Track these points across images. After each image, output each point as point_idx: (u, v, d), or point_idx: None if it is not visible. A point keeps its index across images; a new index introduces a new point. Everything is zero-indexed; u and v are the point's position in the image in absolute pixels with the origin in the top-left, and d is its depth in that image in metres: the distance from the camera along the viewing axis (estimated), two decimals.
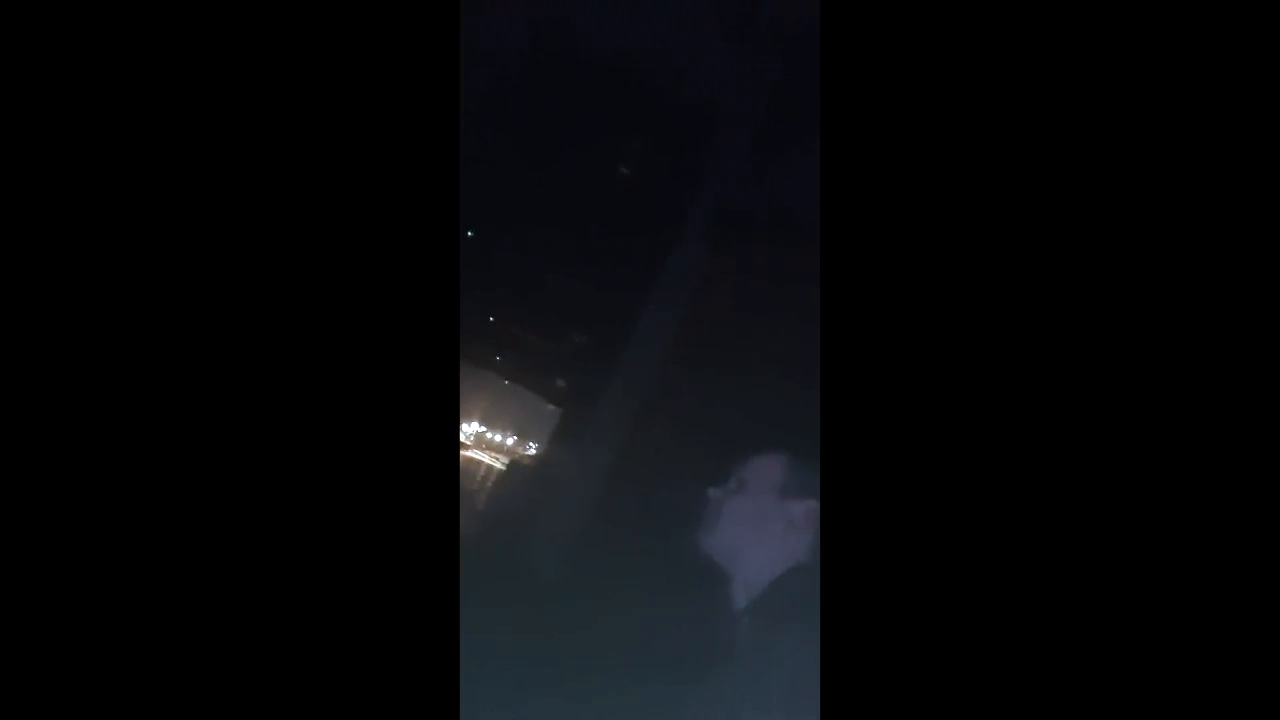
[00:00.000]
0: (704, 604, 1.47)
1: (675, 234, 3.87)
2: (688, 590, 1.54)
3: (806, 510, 1.47)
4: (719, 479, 1.52)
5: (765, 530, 1.41)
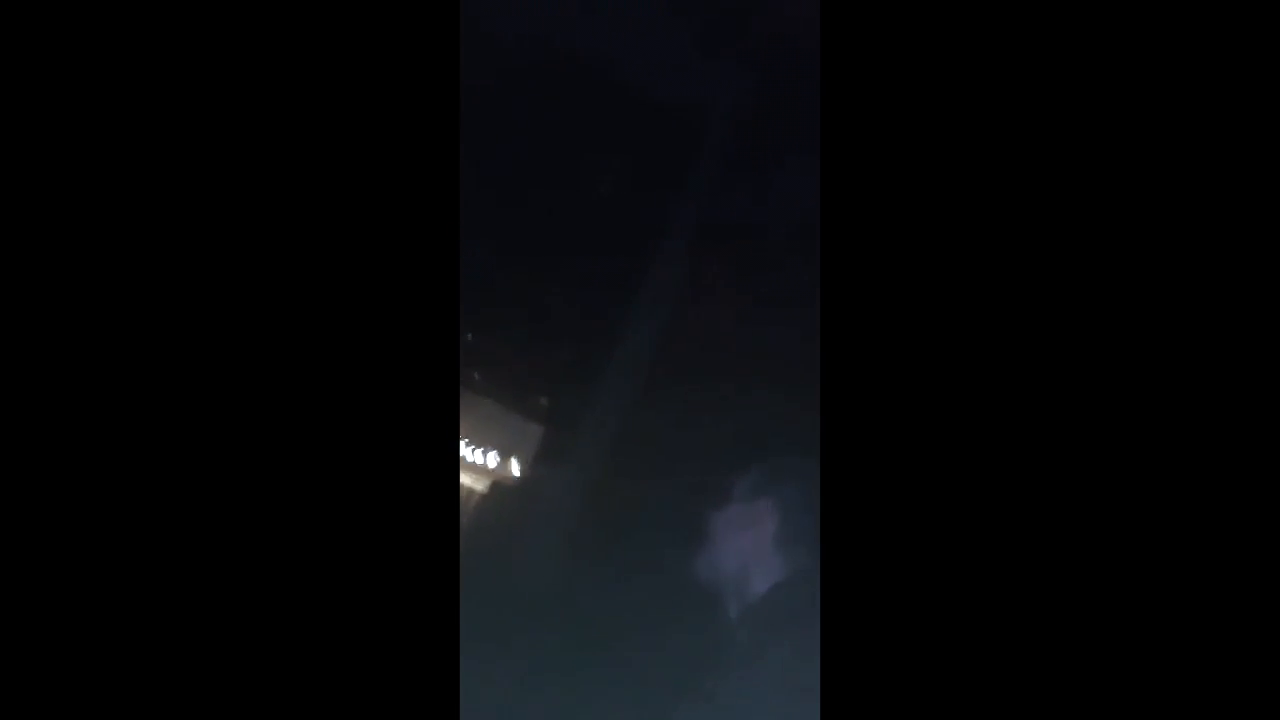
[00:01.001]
0: (697, 618, 1.46)
1: (658, 247, 3.87)
2: (680, 605, 1.52)
3: (795, 521, 1.46)
4: (708, 494, 1.53)
5: (754, 543, 1.45)
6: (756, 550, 1.46)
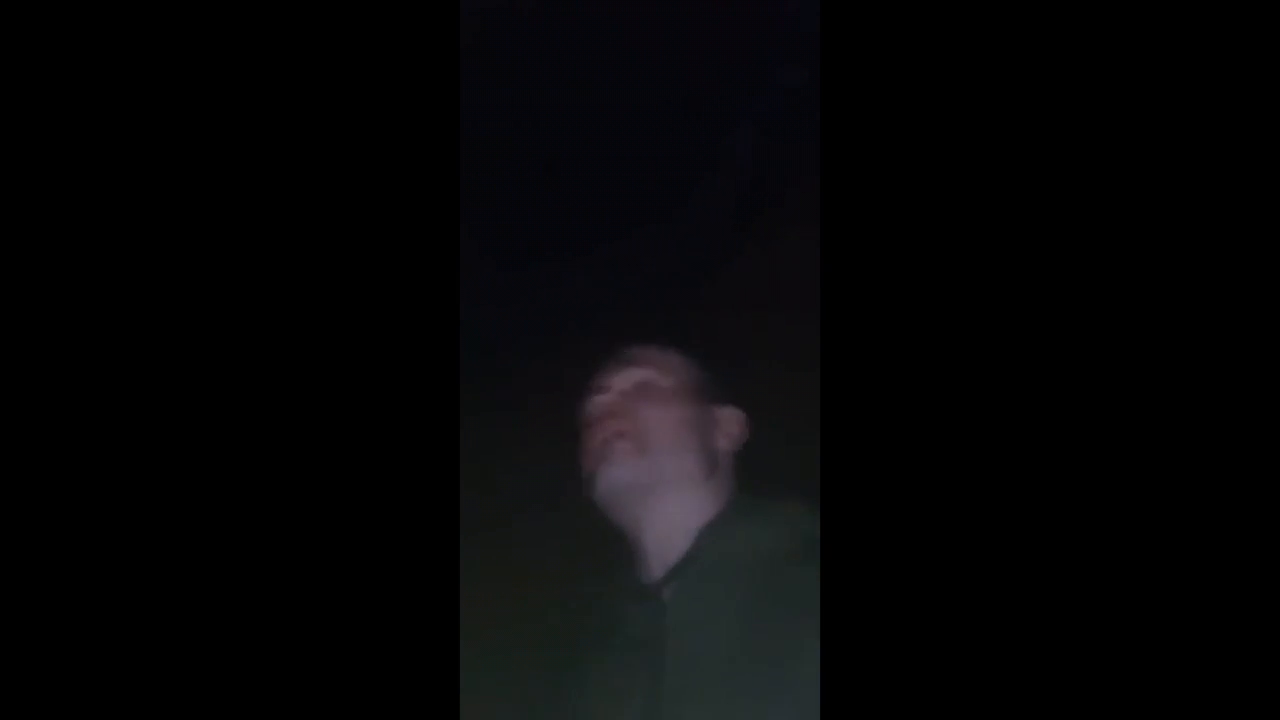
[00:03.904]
0: (608, 579, 1.22)
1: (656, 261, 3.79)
2: (589, 564, 1.26)
3: (715, 440, 1.19)
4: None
5: (669, 477, 1.15)
6: (669, 488, 1.14)
